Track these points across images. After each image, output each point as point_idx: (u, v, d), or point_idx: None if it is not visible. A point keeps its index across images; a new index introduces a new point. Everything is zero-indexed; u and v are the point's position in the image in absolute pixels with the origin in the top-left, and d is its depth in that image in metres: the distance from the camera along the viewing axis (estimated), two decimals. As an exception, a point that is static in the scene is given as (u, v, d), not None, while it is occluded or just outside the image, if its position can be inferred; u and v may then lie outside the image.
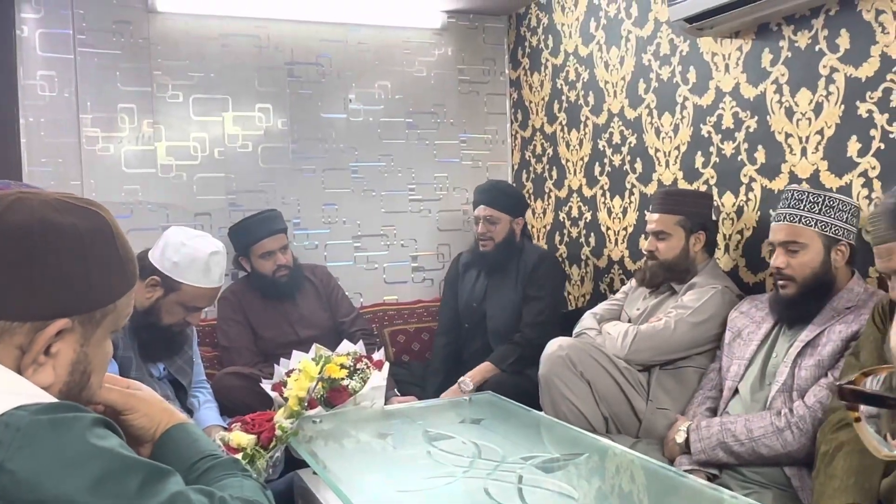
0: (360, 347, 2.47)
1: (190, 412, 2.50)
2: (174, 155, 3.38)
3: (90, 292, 0.93)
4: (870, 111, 2.14)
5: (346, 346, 2.47)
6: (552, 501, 1.58)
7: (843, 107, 2.22)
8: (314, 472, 2.02)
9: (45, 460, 0.80)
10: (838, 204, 2.00)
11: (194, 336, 2.61)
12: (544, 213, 3.77)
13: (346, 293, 3.38)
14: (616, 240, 3.26)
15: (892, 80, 2.07)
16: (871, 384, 0.53)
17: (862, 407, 0.53)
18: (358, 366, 2.32)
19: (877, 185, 2.13)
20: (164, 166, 3.37)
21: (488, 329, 3.14)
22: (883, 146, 2.11)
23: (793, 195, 2.05)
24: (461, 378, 2.93)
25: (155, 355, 2.39)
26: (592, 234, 3.42)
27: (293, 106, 3.58)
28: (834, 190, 2.23)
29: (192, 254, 2.29)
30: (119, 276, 0.97)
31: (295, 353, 2.44)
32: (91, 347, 0.96)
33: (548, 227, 3.75)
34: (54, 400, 0.87)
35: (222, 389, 2.73)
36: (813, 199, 2.01)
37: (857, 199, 2.17)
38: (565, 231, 3.62)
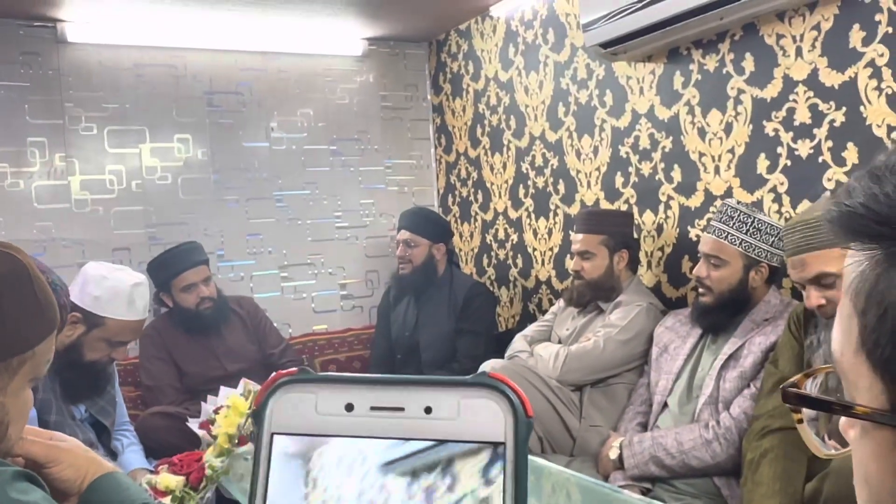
0: (290, 380, 2.41)
1: (114, 455, 2.40)
2: (89, 189, 3.27)
3: (6, 340, 0.89)
4: (776, 130, 2.25)
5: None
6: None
7: (751, 126, 2.33)
8: (247, 512, 1.96)
9: None
10: (766, 227, 2.08)
11: (116, 376, 2.51)
12: (471, 236, 3.80)
13: (275, 324, 3.31)
14: (543, 260, 3.31)
15: (794, 101, 2.19)
16: (811, 386, 0.55)
17: (803, 409, 0.55)
18: (289, 399, 2.27)
19: (786, 199, 2.24)
20: (79, 201, 3.25)
21: (422, 360, 3.13)
22: (790, 163, 2.22)
23: (725, 210, 2.12)
24: None
25: (77, 396, 2.30)
26: (519, 255, 3.47)
27: (213, 136, 3.52)
28: (749, 205, 2.33)
29: (115, 286, 2.23)
30: (37, 321, 0.93)
31: (223, 389, 2.37)
32: (8, 397, 0.91)
33: (475, 250, 3.78)
34: None
35: (147, 430, 2.63)
36: (742, 218, 2.09)
37: (769, 214, 2.26)
38: (493, 253, 3.65)
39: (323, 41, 3.69)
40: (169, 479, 1.96)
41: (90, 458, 1.06)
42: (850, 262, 0.49)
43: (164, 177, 3.41)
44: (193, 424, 2.35)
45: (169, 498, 1.92)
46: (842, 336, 0.50)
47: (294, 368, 0.44)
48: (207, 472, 1.97)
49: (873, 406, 0.47)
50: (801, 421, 0.56)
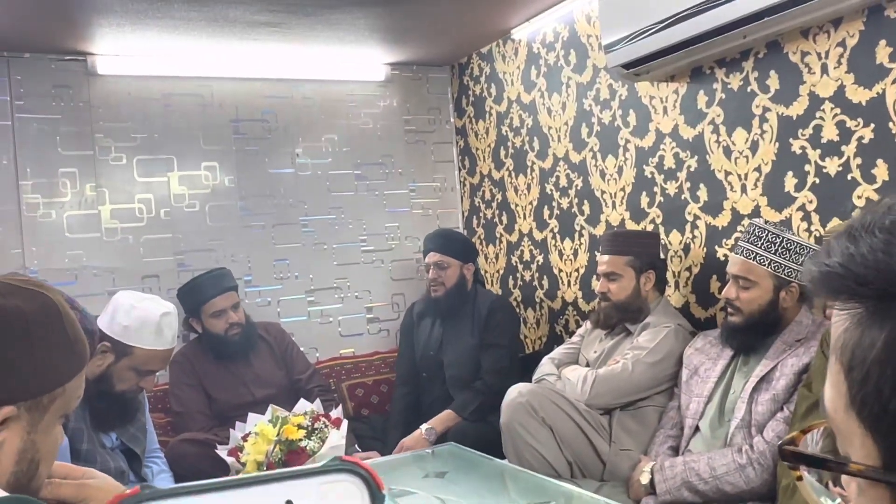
0: (317, 406, 2.42)
1: (144, 482, 2.41)
2: (119, 217, 3.32)
3: (37, 377, 0.89)
4: (803, 147, 2.22)
5: (302, 405, 2.42)
6: (521, 555, 1.56)
7: (777, 144, 2.30)
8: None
9: None
10: (795, 246, 2.05)
11: (146, 402, 2.53)
12: (497, 257, 3.80)
13: (302, 349, 3.32)
14: (569, 281, 3.29)
15: (821, 118, 2.16)
16: (812, 441, 0.55)
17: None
18: (316, 425, 2.27)
19: (815, 218, 2.21)
20: (109, 230, 3.30)
21: (447, 377, 3.12)
22: (818, 181, 2.19)
23: (753, 230, 2.09)
24: (423, 426, 2.90)
25: (108, 424, 2.31)
26: (545, 276, 3.45)
27: (240, 163, 3.56)
28: (777, 224, 2.30)
29: (143, 316, 2.24)
30: (67, 358, 0.94)
31: (251, 415, 2.39)
32: (39, 434, 0.91)
33: (501, 272, 3.77)
34: (1, 494, 0.83)
35: (176, 457, 2.65)
36: (771, 238, 2.06)
37: (798, 233, 2.23)
38: (518, 275, 3.64)
39: (346, 67, 3.73)
40: (198, 508, 1.96)
41: (120, 494, 1.07)
42: (836, 320, 0.49)
43: (192, 204, 3.46)
44: (222, 451, 2.36)
45: (198, 526, 1.92)
46: (833, 393, 0.50)
47: (136, 487, 0.44)
48: (236, 500, 1.97)
49: (867, 463, 0.47)
50: (800, 478, 0.55)
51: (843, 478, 0.51)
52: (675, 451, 2.23)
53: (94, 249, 3.26)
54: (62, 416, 0.95)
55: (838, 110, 2.12)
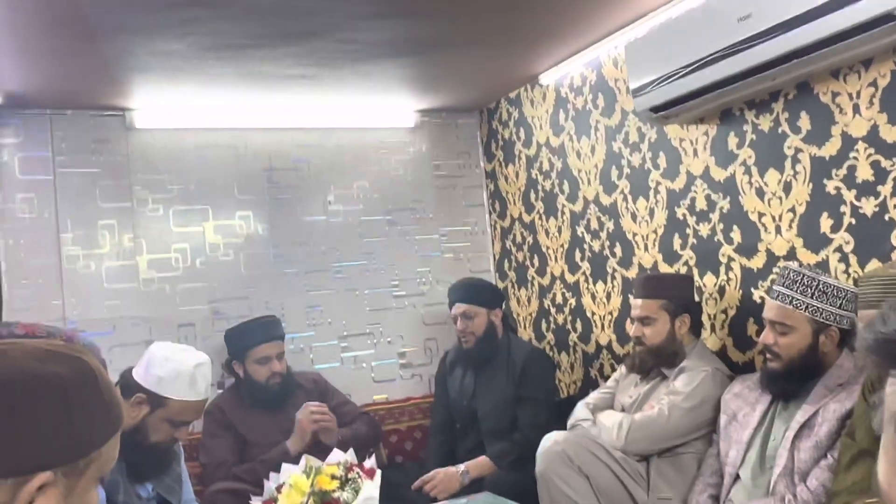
0: (350, 455, 2.41)
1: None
2: (155, 267, 3.38)
3: (74, 442, 0.90)
4: (837, 188, 2.19)
5: (336, 454, 2.41)
6: None
7: (811, 185, 2.28)
8: None
9: None
10: (832, 290, 2.01)
11: (181, 453, 2.54)
12: (529, 301, 3.78)
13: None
14: (602, 325, 3.26)
15: (855, 158, 2.14)
16: None
17: None
18: (349, 475, 2.26)
19: (853, 259, 2.17)
20: (146, 280, 3.36)
21: (482, 429, 3.09)
22: (854, 221, 2.16)
23: (788, 274, 2.06)
24: (459, 466, 2.87)
25: (143, 475, 2.32)
26: (578, 319, 3.42)
27: (273, 211, 3.61)
28: (813, 266, 2.26)
29: (177, 367, 2.25)
30: (104, 422, 0.95)
31: (284, 466, 2.37)
32: (75, 498, 0.91)
33: (533, 315, 3.75)
34: None
35: (211, 508, 2.65)
36: (807, 282, 2.02)
37: (836, 274, 2.19)
38: (551, 318, 3.62)
39: (376, 115, 3.79)
40: (233, 561, 1.95)
41: None
42: (891, 389, 0.48)
43: (227, 253, 3.51)
44: (256, 502, 2.35)
45: (233, 580, 1.91)
46: (888, 467, 0.48)
47: None
48: (271, 552, 1.96)
49: None
50: None
51: None
52: (716, 500, 2.18)
53: (131, 299, 3.32)
54: (97, 478, 0.96)
55: (872, 150, 2.09)
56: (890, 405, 0.48)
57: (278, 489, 2.27)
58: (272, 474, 2.39)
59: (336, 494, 2.19)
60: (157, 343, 2.38)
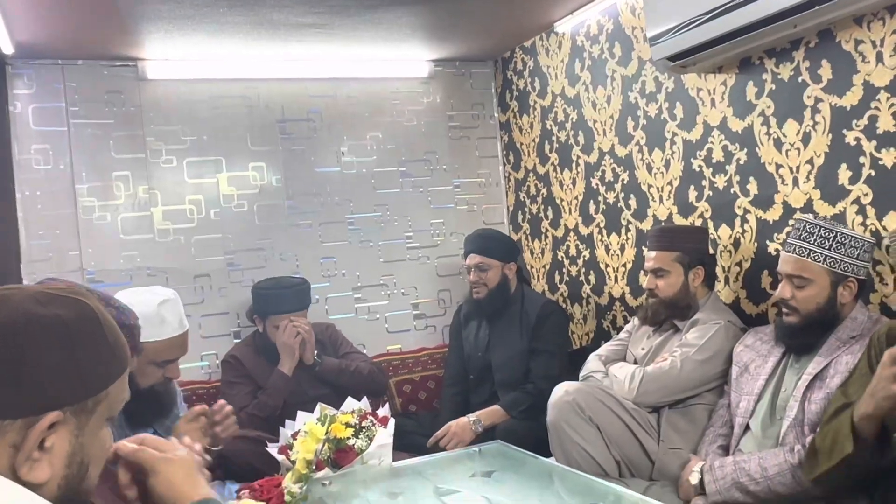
0: (364, 404, 2.44)
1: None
2: (171, 219, 3.40)
3: (80, 382, 0.92)
4: (857, 139, 2.16)
5: (350, 403, 2.45)
6: (568, 556, 1.56)
7: (830, 136, 2.24)
8: (325, 538, 1.99)
9: None
10: (850, 241, 1.98)
11: (178, 392, 2.54)
12: (542, 253, 3.78)
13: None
14: (616, 276, 3.26)
15: (876, 108, 2.09)
16: None
17: None
18: (363, 423, 2.30)
19: (871, 211, 2.14)
20: (161, 231, 3.38)
21: (495, 380, 3.11)
22: (874, 173, 2.12)
23: (804, 227, 2.03)
24: (471, 415, 2.91)
25: (144, 421, 2.30)
26: (592, 271, 3.42)
27: (286, 162, 3.61)
28: (828, 218, 2.24)
29: (141, 311, 2.12)
30: (109, 362, 0.97)
31: (300, 413, 2.42)
32: (87, 437, 0.94)
33: (547, 267, 3.75)
34: None
35: (229, 454, 2.70)
36: (824, 233, 1.99)
37: (853, 227, 2.17)
38: (564, 270, 3.62)
39: (390, 65, 3.75)
40: (250, 505, 2.00)
41: (190, 479, 1.11)
42: None
43: (241, 204, 3.52)
44: (273, 449, 2.40)
45: (251, 524, 1.96)
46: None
47: None
48: (287, 498, 2.01)
49: None
50: None
51: None
52: (726, 450, 2.20)
53: (147, 250, 3.34)
54: (108, 418, 0.98)
55: (895, 100, 2.04)
56: None
57: (294, 436, 2.32)
58: (288, 422, 2.44)
59: (350, 442, 2.23)
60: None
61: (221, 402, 2.30)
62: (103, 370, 0.96)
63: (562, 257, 3.63)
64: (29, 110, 3.19)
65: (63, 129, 3.24)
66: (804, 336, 2.06)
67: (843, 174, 2.21)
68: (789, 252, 2.06)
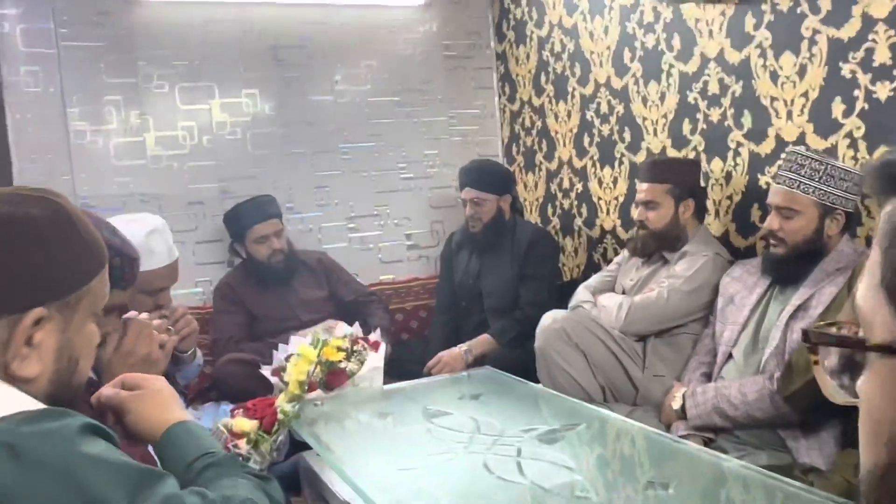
0: (356, 329, 2.49)
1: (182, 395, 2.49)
2: (163, 145, 3.38)
3: (59, 278, 0.94)
4: (853, 72, 2.15)
5: (342, 328, 2.49)
6: (551, 472, 1.62)
7: (826, 68, 2.23)
8: (318, 454, 2.06)
9: (31, 474, 0.79)
10: (840, 173, 2.00)
11: (198, 356, 2.56)
12: (536, 185, 3.78)
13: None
14: (608, 209, 3.28)
15: (874, 40, 2.08)
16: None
17: (821, 355, 0.58)
18: (355, 347, 2.35)
19: (862, 145, 2.15)
20: (154, 157, 3.37)
21: (485, 307, 3.16)
22: (867, 106, 2.12)
23: (795, 159, 2.04)
24: (462, 345, 2.97)
25: None
26: (584, 204, 3.44)
27: (280, 90, 3.57)
28: (819, 151, 2.24)
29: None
30: (85, 258, 0.98)
31: (293, 338, 2.47)
32: (73, 333, 0.97)
33: (540, 200, 3.76)
34: (39, 407, 0.87)
35: (224, 376, 2.77)
36: (814, 166, 2.01)
37: (844, 161, 2.18)
38: (557, 203, 3.63)
39: (385, -9, 3.68)
40: (244, 423, 2.06)
41: (165, 405, 1.12)
42: (890, 209, 0.50)
43: (234, 132, 3.50)
44: (266, 371, 2.45)
45: (244, 440, 2.02)
46: (866, 280, 0.52)
47: None
48: (280, 416, 2.07)
49: (885, 340, 0.50)
50: (817, 363, 0.58)
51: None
52: (708, 377, 2.25)
53: (140, 176, 3.34)
54: (93, 313, 1.00)
55: (892, 32, 2.03)
56: (881, 224, 0.51)
57: (287, 359, 2.37)
58: (281, 345, 2.49)
59: (342, 365, 2.28)
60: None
61: (175, 305, 2.27)
62: (81, 266, 0.98)
63: (555, 190, 3.64)
64: (17, 30, 3.14)
65: (52, 52, 3.18)
66: (790, 267, 2.09)
67: (837, 108, 2.21)
68: (779, 184, 2.07)
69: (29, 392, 0.91)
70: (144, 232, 2.20)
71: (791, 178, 2.04)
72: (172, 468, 1.00)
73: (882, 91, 2.07)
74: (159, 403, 1.13)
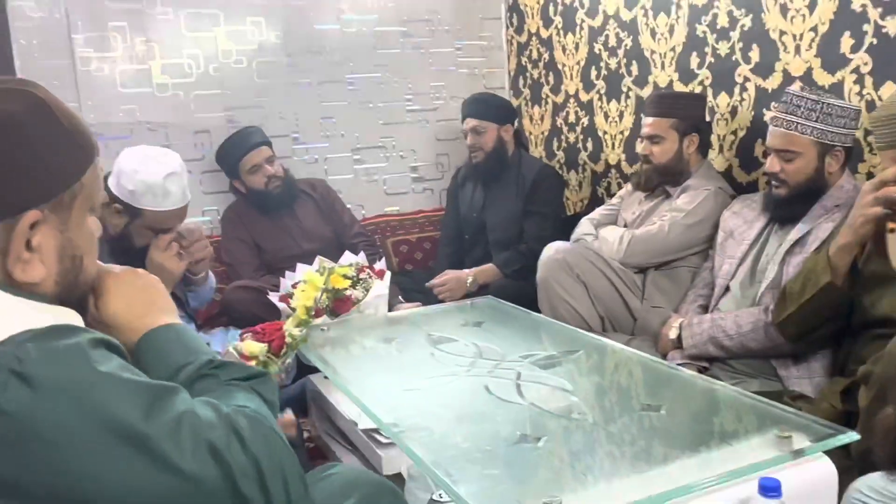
0: (361, 258, 2.54)
1: (191, 318, 2.56)
2: (169, 73, 3.37)
3: (50, 177, 0.90)
4: (863, 5, 2.13)
5: (348, 257, 2.54)
6: (549, 395, 1.68)
7: (836, 2, 2.21)
8: (325, 377, 2.13)
9: (45, 399, 0.77)
10: (836, 110, 2.00)
11: (211, 279, 2.60)
12: (542, 119, 3.78)
13: (348, 206, 3.44)
14: (613, 144, 3.28)
15: (886, -27, 2.05)
16: None
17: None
18: (360, 276, 2.40)
19: (868, 81, 2.14)
20: (160, 85, 3.36)
21: (489, 240, 3.20)
22: (875, 41, 2.11)
23: (791, 100, 2.04)
24: (468, 270, 3.02)
25: None
26: (589, 138, 3.44)
27: (286, 18, 3.53)
28: (826, 87, 2.24)
29: (146, 180, 2.18)
30: (73, 151, 0.93)
31: (299, 265, 2.52)
32: (72, 231, 0.93)
33: (545, 133, 3.76)
34: (45, 320, 0.84)
35: (232, 302, 2.83)
36: (810, 105, 2.01)
37: (849, 97, 2.18)
38: (563, 137, 3.63)
39: (392, -83, 3.60)
40: (253, 346, 2.13)
41: (146, 297, 1.07)
42: None
43: (240, 60, 3.48)
44: (274, 297, 2.51)
45: (254, 363, 2.09)
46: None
47: None
48: (288, 339, 2.13)
49: None
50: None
51: None
52: (705, 309, 2.31)
53: (147, 104, 3.34)
54: (90, 209, 0.96)
55: (905, -35, 2.01)
56: None
57: (294, 286, 2.42)
58: (288, 273, 2.54)
59: (348, 292, 2.34)
60: (127, 152, 2.27)
61: (190, 226, 2.33)
62: (70, 161, 0.92)
63: (560, 124, 3.63)
64: (20, -46, 3.10)
65: (56, -25, 3.15)
66: (792, 207, 2.11)
67: (846, 42, 2.20)
68: (777, 126, 2.08)
69: (37, 297, 0.90)
70: (163, 174, 2.21)
71: (788, 120, 2.04)
72: (155, 374, 0.94)
73: (892, 26, 2.06)
74: (144, 292, 1.07)
